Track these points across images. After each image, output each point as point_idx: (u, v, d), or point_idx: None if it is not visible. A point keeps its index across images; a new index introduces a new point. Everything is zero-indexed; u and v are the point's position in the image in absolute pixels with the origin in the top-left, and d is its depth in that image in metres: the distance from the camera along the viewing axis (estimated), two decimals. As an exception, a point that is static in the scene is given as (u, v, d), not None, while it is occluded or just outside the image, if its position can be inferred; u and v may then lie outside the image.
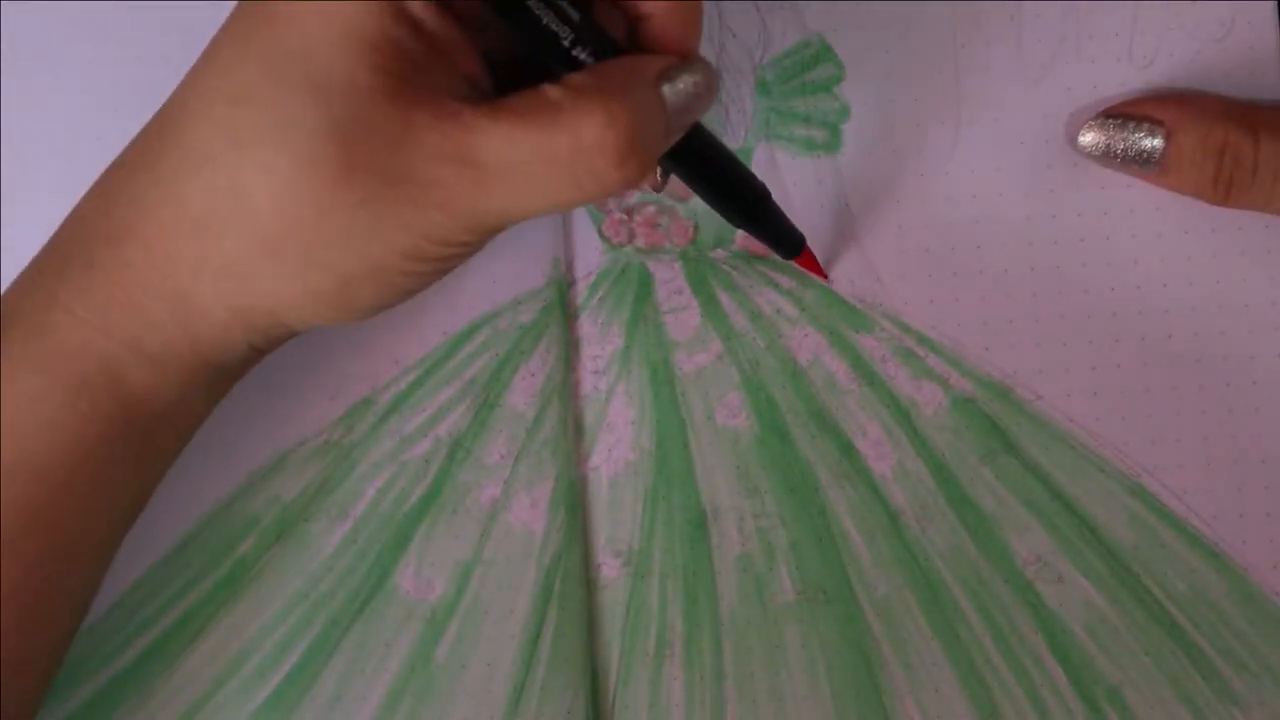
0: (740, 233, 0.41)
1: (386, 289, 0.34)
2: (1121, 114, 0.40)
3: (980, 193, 0.41)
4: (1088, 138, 0.40)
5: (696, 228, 0.42)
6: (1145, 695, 0.39)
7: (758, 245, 0.41)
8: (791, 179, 0.42)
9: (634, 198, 0.42)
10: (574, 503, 0.41)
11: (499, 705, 0.39)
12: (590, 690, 0.40)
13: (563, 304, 0.42)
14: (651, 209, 0.42)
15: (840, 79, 0.42)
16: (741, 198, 0.37)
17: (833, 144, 0.42)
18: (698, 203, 0.42)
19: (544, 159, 0.31)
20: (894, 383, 0.41)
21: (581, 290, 0.42)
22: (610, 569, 0.40)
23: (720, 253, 0.42)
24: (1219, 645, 0.39)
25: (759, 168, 0.41)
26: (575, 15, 0.32)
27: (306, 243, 0.32)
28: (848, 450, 0.41)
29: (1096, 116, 0.40)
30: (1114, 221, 0.41)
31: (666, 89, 0.32)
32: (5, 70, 0.42)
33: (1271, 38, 0.41)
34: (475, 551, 0.40)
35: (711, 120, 0.42)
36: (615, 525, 0.41)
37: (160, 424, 0.35)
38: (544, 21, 0.32)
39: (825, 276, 0.41)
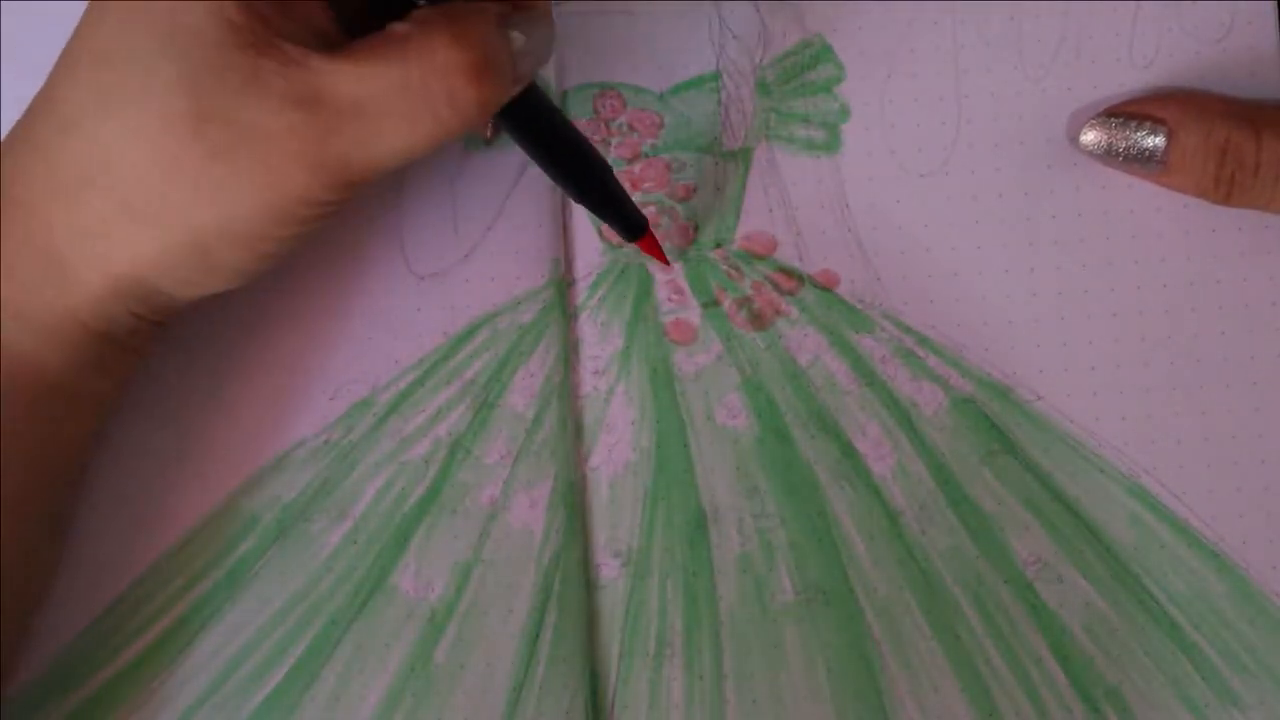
0: (741, 232, 0.41)
1: (246, 251, 0.33)
2: (1123, 113, 0.39)
3: (980, 193, 0.41)
4: (1089, 137, 0.39)
5: (696, 228, 0.41)
6: (1145, 696, 0.38)
7: (759, 245, 0.41)
8: (791, 179, 0.41)
9: (634, 197, 0.41)
10: (574, 503, 0.40)
11: (498, 705, 0.39)
12: (589, 690, 0.39)
13: (562, 304, 0.41)
14: (651, 209, 0.41)
15: (840, 79, 0.41)
16: (581, 170, 0.36)
17: (833, 144, 0.41)
18: (698, 203, 0.41)
19: (396, 89, 0.30)
20: (894, 383, 0.40)
21: (581, 290, 0.41)
22: (610, 569, 0.40)
23: (720, 253, 0.41)
24: (1219, 646, 0.39)
25: (759, 168, 0.41)
26: None
27: (160, 200, 0.31)
28: (848, 450, 0.40)
29: (1098, 115, 0.40)
30: (1114, 222, 0.40)
31: (511, 31, 0.32)
32: (5, 70, 0.42)
33: (1271, 37, 0.41)
34: (475, 552, 0.40)
35: (711, 120, 0.41)
36: (615, 525, 0.40)
37: (57, 395, 0.34)
38: None
39: (667, 262, 0.40)
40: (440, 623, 0.39)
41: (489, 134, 0.36)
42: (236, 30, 0.30)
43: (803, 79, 0.41)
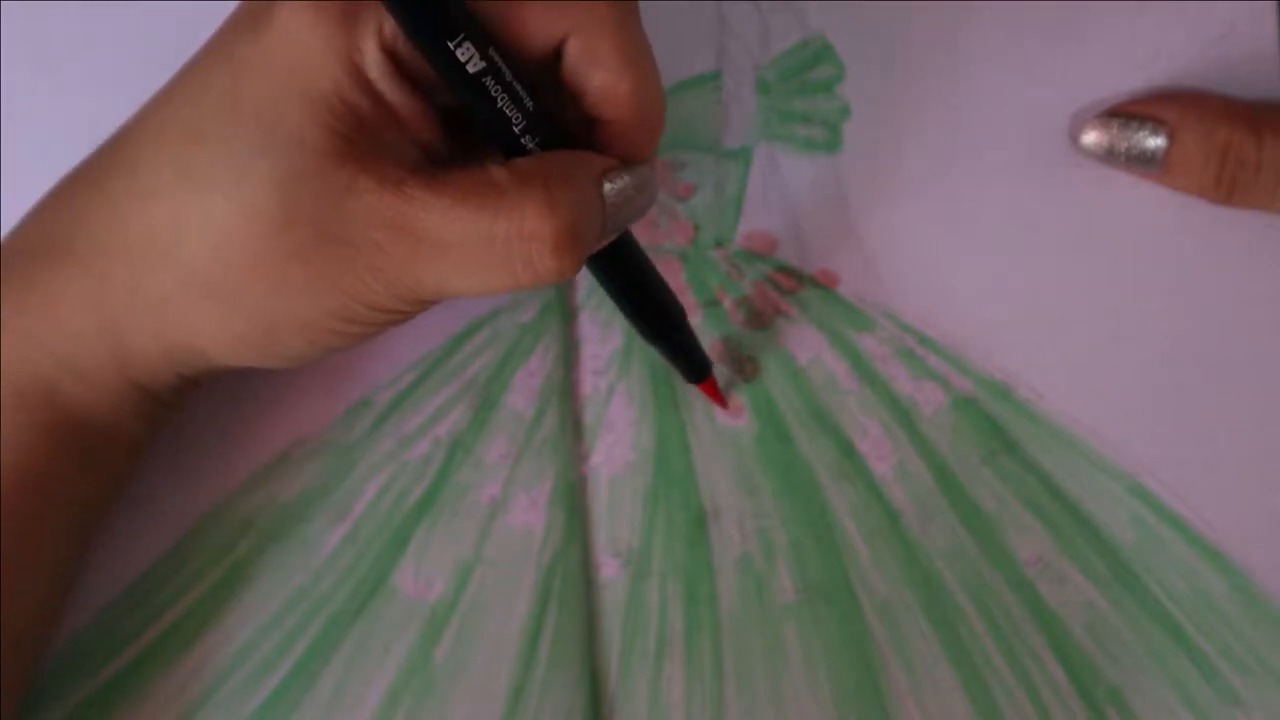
0: (741, 231, 0.40)
1: (312, 343, 0.33)
2: (1124, 113, 0.39)
3: (981, 192, 0.40)
4: (1090, 137, 0.39)
5: (696, 227, 0.41)
6: (1147, 696, 0.38)
7: (759, 244, 0.40)
8: (791, 178, 0.40)
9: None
10: (573, 503, 0.39)
11: (498, 705, 0.38)
12: (590, 690, 0.38)
13: (562, 304, 0.40)
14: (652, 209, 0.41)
15: (840, 78, 0.41)
16: (656, 313, 0.36)
17: (833, 143, 0.41)
18: (698, 203, 0.41)
19: (481, 240, 0.30)
20: (894, 382, 0.40)
21: (581, 290, 0.41)
22: (610, 569, 0.39)
23: (720, 252, 0.40)
24: (1220, 646, 0.38)
25: (759, 167, 0.40)
26: (529, 103, 0.31)
27: (237, 288, 0.31)
28: (848, 450, 0.40)
29: (1099, 116, 0.39)
30: (1116, 221, 0.40)
31: (607, 188, 0.31)
32: (5, 70, 0.41)
33: (1272, 37, 0.40)
34: (475, 551, 0.39)
35: (712, 119, 0.41)
36: (615, 525, 0.39)
37: (98, 439, 0.34)
38: (498, 104, 0.30)
39: (725, 406, 0.39)
40: (440, 622, 0.39)
41: None
42: (339, 140, 0.30)
43: (803, 78, 0.41)
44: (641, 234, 0.40)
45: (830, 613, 0.39)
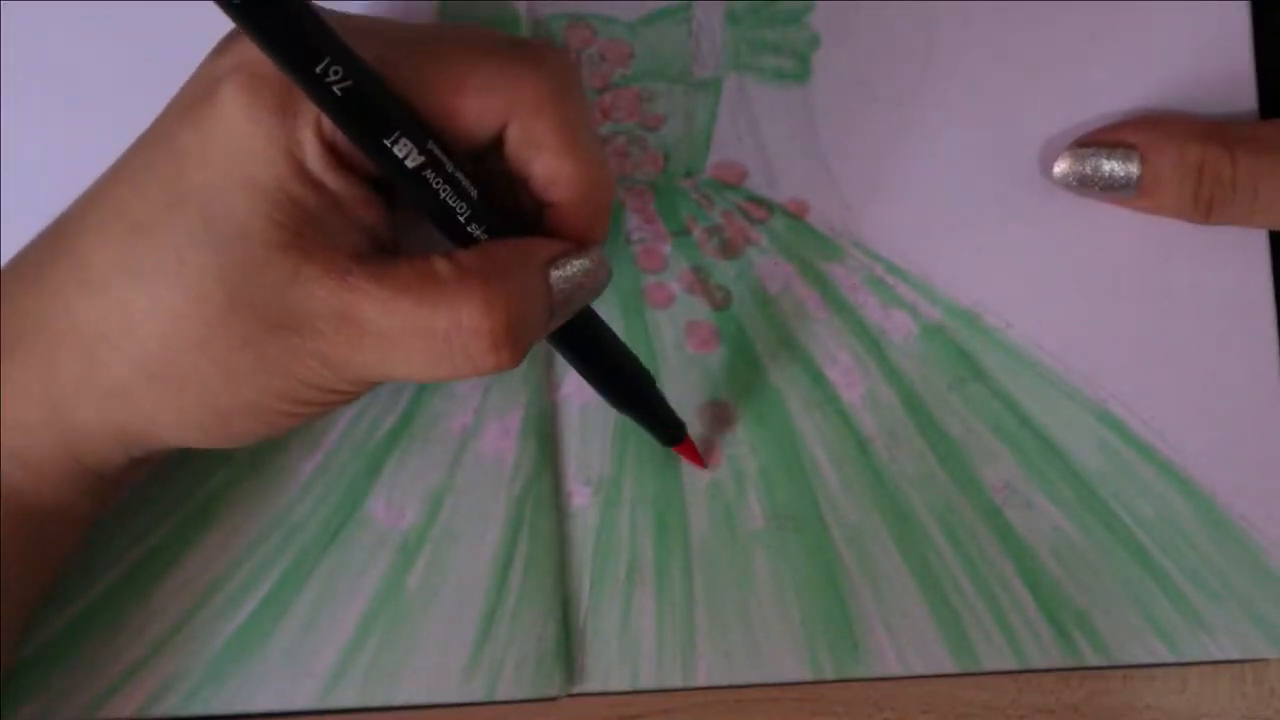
0: (711, 161, 0.40)
1: (263, 425, 0.33)
2: (1093, 142, 0.38)
3: (950, 121, 0.40)
4: (1062, 168, 0.38)
5: (666, 158, 0.40)
6: (1113, 620, 0.38)
7: (729, 174, 0.40)
8: (761, 108, 0.40)
9: (604, 128, 0.41)
10: (545, 431, 0.39)
11: (470, 632, 0.38)
12: (561, 617, 0.38)
13: (534, 234, 0.40)
14: (622, 139, 0.40)
15: (810, 9, 0.40)
16: (622, 381, 0.36)
17: (803, 74, 0.40)
18: (668, 133, 0.40)
19: (420, 333, 0.30)
20: (864, 311, 0.40)
21: (552, 221, 0.40)
22: (581, 497, 0.39)
23: (690, 182, 0.40)
24: (1187, 570, 0.38)
25: (729, 98, 0.40)
26: (473, 192, 0.31)
27: (186, 374, 0.31)
28: (818, 378, 0.39)
29: (1068, 148, 0.38)
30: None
31: (555, 275, 0.31)
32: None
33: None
34: (446, 479, 0.39)
35: (681, 50, 0.40)
36: (586, 453, 0.39)
37: (48, 520, 0.34)
38: (441, 196, 0.30)
39: (704, 465, 0.39)
40: (412, 550, 0.39)
41: None
42: (282, 231, 0.30)
43: (773, 8, 0.40)
44: (612, 165, 0.40)
45: (799, 539, 0.39)
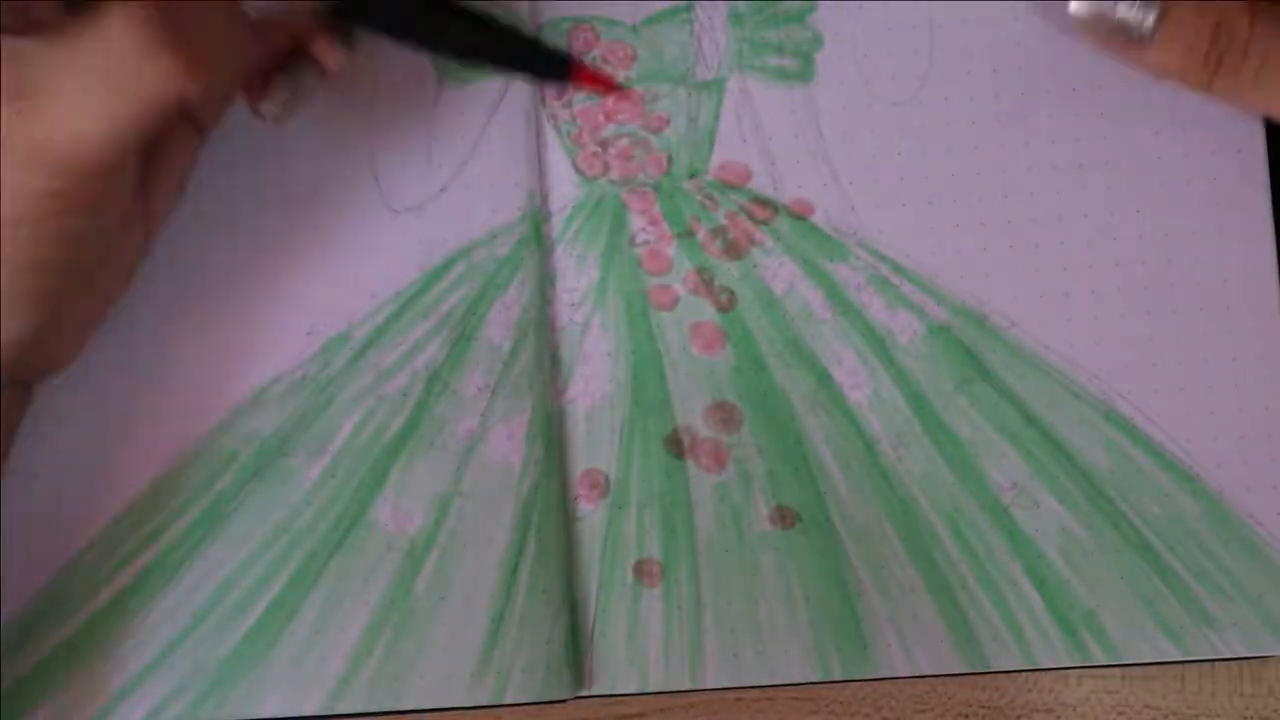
0: (715, 162, 0.40)
1: None
2: None
3: (954, 121, 0.39)
4: (1077, 7, 0.37)
5: (670, 159, 0.40)
6: (1121, 619, 0.38)
7: (733, 175, 0.39)
8: (765, 109, 0.39)
9: (608, 130, 0.40)
10: (551, 435, 0.39)
11: (478, 636, 0.38)
12: (569, 620, 0.38)
13: (538, 237, 0.40)
14: (625, 141, 0.40)
15: (813, 9, 0.40)
16: (469, 32, 0.34)
17: (806, 74, 0.40)
18: (672, 134, 0.40)
19: (81, 69, 0.29)
20: (869, 311, 0.39)
21: (557, 223, 0.40)
22: (588, 500, 0.39)
23: (694, 183, 0.40)
24: (1194, 569, 0.38)
25: (732, 98, 0.39)
26: None
27: None
28: (823, 379, 0.39)
29: None
30: (1087, 149, 0.39)
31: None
32: None
33: None
34: (453, 484, 0.38)
35: (684, 51, 0.40)
36: (592, 456, 0.39)
37: None
38: None
39: (613, 84, 0.38)
40: (419, 555, 0.38)
41: (278, 110, 0.36)
42: None
43: (775, 9, 0.40)
44: (616, 167, 0.40)
45: (807, 540, 0.38)
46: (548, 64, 0.36)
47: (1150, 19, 0.36)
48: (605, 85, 0.37)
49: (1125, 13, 0.36)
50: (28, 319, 0.33)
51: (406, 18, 0.33)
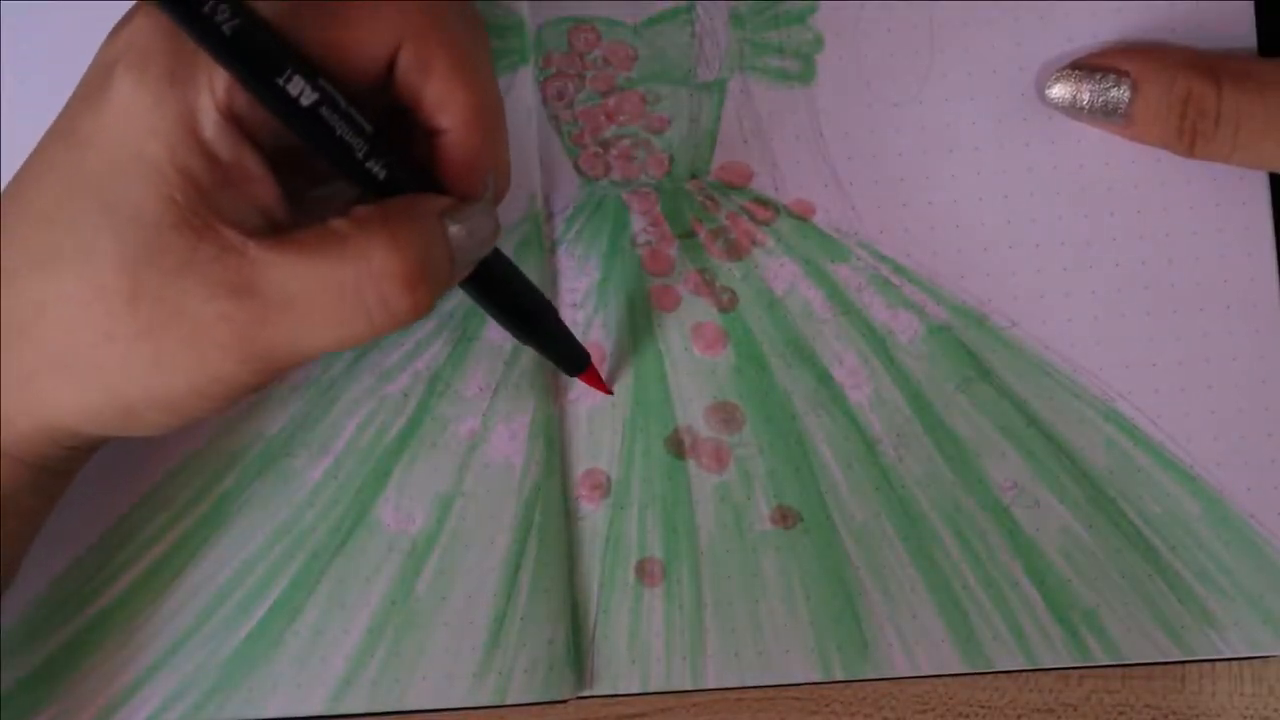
0: (716, 163, 0.40)
1: (173, 415, 0.32)
2: (1088, 65, 0.38)
3: (954, 121, 0.39)
4: (1055, 90, 0.38)
5: (672, 159, 0.40)
6: (1121, 618, 0.37)
7: (734, 176, 0.40)
8: (766, 110, 0.39)
9: (609, 131, 0.40)
10: (552, 435, 0.39)
11: (480, 637, 0.38)
12: (571, 621, 0.38)
13: (540, 238, 0.40)
14: (627, 142, 0.40)
15: (813, 9, 0.40)
16: (525, 312, 0.35)
17: (807, 75, 0.40)
18: (673, 135, 0.40)
19: (329, 288, 0.29)
20: (870, 311, 0.39)
21: (558, 224, 0.40)
22: (589, 500, 0.39)
23: (695, 184, 0.40)
24: (1195, 568, 0.38)
25: (733, 99, 0.40)
26: (368, 127, 0.30)
27: (89, 366, 0.30)
28: (824, 379, 0.39)
29: (1063, 69, 0.38)
30: (1088, 149, 0.39)
31: (452, 228, 0.31)
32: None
33: None
34: (455, 484, 0.38)
35: (685, 52, 0.40)
36: (594, 457, 0.39)
37: None
38: (337, 133, 0.30)
39: (609, 392, 0.39)
40: (421, 555, 0.38)
41: None
42: (176, 209, 0.29)
43: (776, 9, 0.40)
44: (617, 167, 0.40)
45: (808, 540, 0.38)
46: (569, 357, 0.38)
47: (1124, 99, 0.37)
48: (602, 390, 0.39)
49: (1099, 94, 0.37)
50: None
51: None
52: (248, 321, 0.30)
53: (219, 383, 0.31)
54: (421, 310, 0.30)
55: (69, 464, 0.34)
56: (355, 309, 0.30)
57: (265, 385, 0.32)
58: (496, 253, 0.34)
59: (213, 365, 0.30)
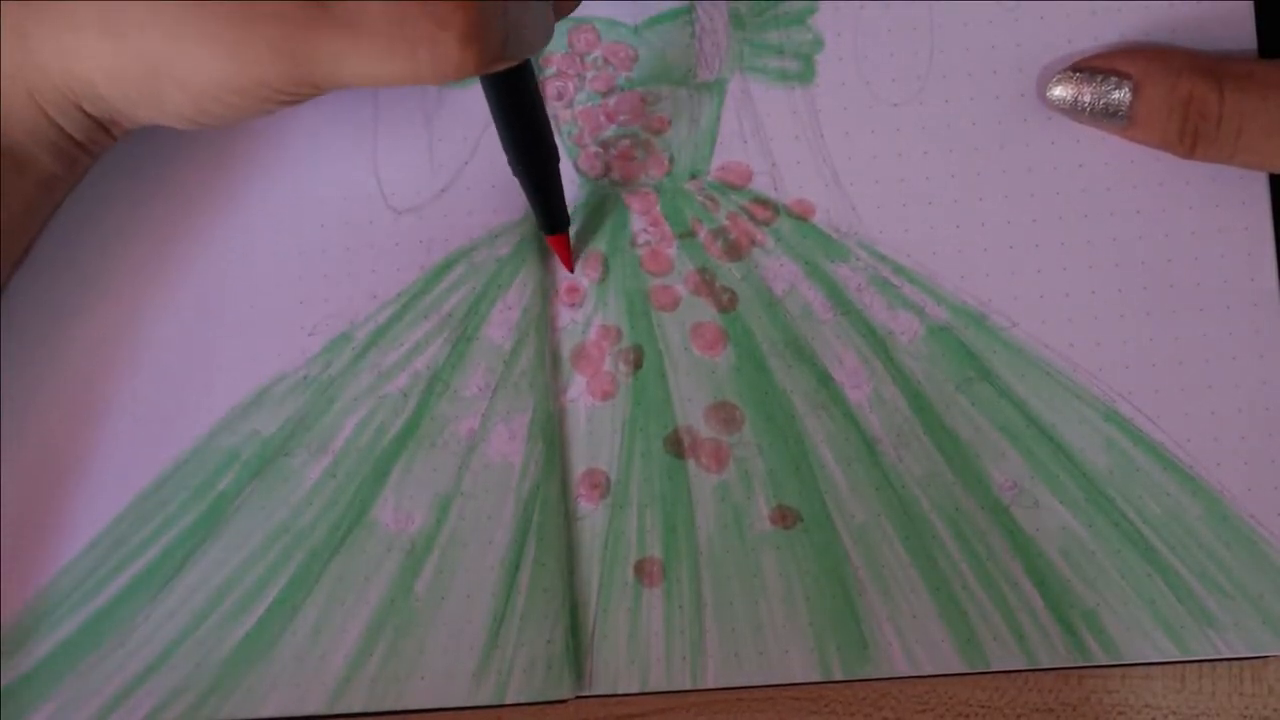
0: (716, 163, 0.39)
1: (191, 102, 0.32)
2: (1090, 67, 0.38)
3: (954, 122, 0.39)
4: (1057, 91, 0.38)
5: (672, 160, 0.40)
6: (1121, 618, 0.37)
7: (734, 176, 0.39)
8: (766, 110, 0.39)
9: (609, 131, 0.40)
10: (552, 434, 0.38)
11: (479, 636, 0.37)
12: (570, 620, 0.38)
13: (540, 238, 0.39)
14: (627, 142, 0.40)
15: (813, 10, 0.40)
16: (534, 150, 0.36)
17: (806, 75, 0.39)
18: (673, 135, 0.40)
19: (392, 15, 0.29)
20: (870, 311, 0.39)
21: (559, 224, 0.40)
22: (588, 500, 0.38)
23: (695, 184, 0.39)
24: (1194, 568, 0.37)
25: (733, 100, 0.39)
26: None
27: (131, 23, 0.31)
28: (824, 379, 0.39)
29: (1065, 70, 0.38)
30: (1088, 149, 0.39)
31: (514, 5, 0.31)
32: None
33: None
34: (454, 484, 0.38)
35: (685, 52, 0.40)
36: (593, 456, 0.38)
37: (10, 165, 0.34)
38: None
39: (571, 268, 0.39)
40: (420, 555, 0.38)
41: None
42: None
43: (776, 10, 0.40)
44: (617, 167, 0.40)
45: (807, 540, 0.38)
46: (552, 213, 0.38)
47: (1125, 101, 0.36)
48: (565, 262, 0.39)
49: (1101, 95, 0.37)
50: None
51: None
52: (303, 22, 0.30)
53: (246, 77, 0.31)
54: (465, 69, 0.30)
55: (87, 136, 0.34)
56: (409, 44, 0.30)
57: (284, 103, 0.32)
58: (534, 79, 0.34)
59: (248, 55, 0.30)
